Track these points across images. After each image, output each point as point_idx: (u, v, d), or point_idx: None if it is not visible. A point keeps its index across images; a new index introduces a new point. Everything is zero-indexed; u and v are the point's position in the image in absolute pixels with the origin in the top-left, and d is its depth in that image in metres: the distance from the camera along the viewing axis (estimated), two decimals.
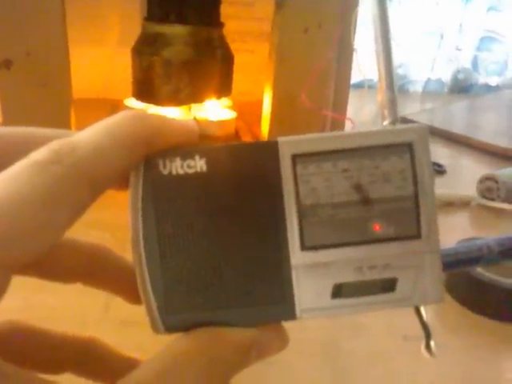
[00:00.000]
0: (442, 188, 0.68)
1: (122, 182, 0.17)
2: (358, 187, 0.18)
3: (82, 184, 0.15)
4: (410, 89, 1.28)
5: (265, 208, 0.18)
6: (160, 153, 0.17)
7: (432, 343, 0.20)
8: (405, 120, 0.98)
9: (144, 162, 0.17)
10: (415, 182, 0.18)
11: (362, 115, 0.91)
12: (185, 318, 0.18)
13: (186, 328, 0.17)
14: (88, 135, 0.16)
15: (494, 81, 1.33)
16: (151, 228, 0.17)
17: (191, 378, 0.16)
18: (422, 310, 0.20)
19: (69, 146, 0.15)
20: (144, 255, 0.17)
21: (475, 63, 1.31)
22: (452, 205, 0.67)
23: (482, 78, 1.32)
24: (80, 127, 0.16)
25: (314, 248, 0.18)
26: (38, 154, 0.15)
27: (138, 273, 0.17)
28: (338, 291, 0.18)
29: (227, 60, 0.73)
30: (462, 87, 1.31)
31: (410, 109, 1.07)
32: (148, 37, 0.70)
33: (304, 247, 0.18)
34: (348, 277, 0.18)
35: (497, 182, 0.67)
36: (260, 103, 0.75)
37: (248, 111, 0.80)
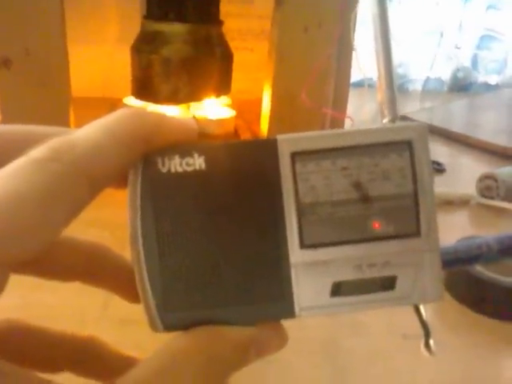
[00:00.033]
0: (442, 186, 0.68)
1: (120, 180, 0.17)
2: (357, 185, 0.18)
3: (81, 182, 0.15)
4: (409, 88, 1.28)
5: (264, 206, 0.18)
6: (159, 151, 0.17)
7: (431, 342, 0.20)
8: (404, 119, 0.98)
9: (143, 160, 0.17)
10: (415, 180, 0.18)
11: (362, 114, 0.91)
12: (183, 317, 0.17)
13: (184, 326, 0.17)
14: (87, 133, 0.16)
15: (493, 79, 1.33)
16: (150, 226, 0.17)
17: (190, 376, 0.16)
18: (422, 308, 0.20)
19: (67, 143, 0.15)
20: (142, 253, 0.17)
21: (475, 62, 1.31)
22: (451, 203, 0.67)
23: (481, 77, 1.32)
24: (79, 126, 0.16)
25: (314, 246, 0.18)
26: (37, 152, 0.15)
27: (136, 271, 0.17)
28: (338, 289, 0.18)
29: (226, 58, 0.73)
30: (461, 86, 1.31)
31: (409, 107, 1.07)
32: (147, 35, 0.70)
33: (303, 245, 0.18)
34: (347, 275, 0.18)
35: (496, 180, 0.67)
36: (259, 102, 0.75)
37: (247, 110, 0.80)
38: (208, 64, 0.70)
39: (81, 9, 0.87)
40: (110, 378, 0.15)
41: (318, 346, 0.40)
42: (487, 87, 1.32)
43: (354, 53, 0.73)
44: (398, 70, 1.26)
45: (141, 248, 0.17)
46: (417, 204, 0.18)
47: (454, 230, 0.58)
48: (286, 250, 0.18)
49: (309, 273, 0.18)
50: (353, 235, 0.18)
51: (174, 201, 0.17)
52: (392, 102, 0.21)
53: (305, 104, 0.67)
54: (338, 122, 0.74)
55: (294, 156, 0.18)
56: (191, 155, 0.17)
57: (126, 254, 0.19)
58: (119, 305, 0.21)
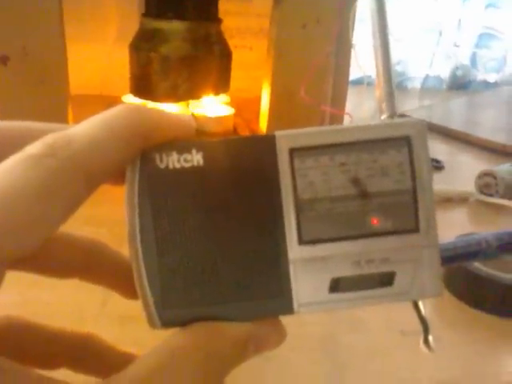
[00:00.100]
0: (441, 184, 0.68)
1: (117, 177, 0.17)
2: (355, 181, 0.18)
3: (78, 177, 0.15)
4: (408, 85, 1.28)
5: (262, 202, 0.17)
6: (156, 147, 0.17)
7: (430, 338, 0.20)
8: (403, 117, 0.98)
9: (140, 157, 0.17)
10: (413, 176, 0.18)
11: (361, 112, 0.91)
12: (181, 313, 0.17)
13: (182, 323, 0.17)
14: (84, 128, 0.16)
15: (492, 77, 1.33)
16: (148, 223, 0.17)
17: (188, 372, 0.16)
18: (420, 304, 0.20)
19: (64, 139, 0.15)
20: (141, 250, 0.17)
21: (474, 60, 1.31)
22: (450, 201, 0.67)
23: (480, 75, 1.32)
24: (77, 124, 0.16)
25: (312, 242, 0.18)
26: (33, 148, 0.15)
27: (134, 268, 0.17)
28: (336, 285, 0.18)
29: (225, 56, 0.73)
30: (460, 84, 1.31)
31: (408, 105, 1.07)
32: (146, 33, 0.70)
33: (302, 241, 0.18)
34: (346, 271, 0.18)
35: (495, 177, 0.67)
36: (258, 100, 0.75)
37: (246, 108, 0.80)
38: (207, 62, 0.70)
39: (80, 7, 0.86)
40: (109, 374, 0.15)
41: (317, 342, 0.40)
42: (486, 85, 1.32)
43: (352, 50, 0.73)
44: (397, 68, 1.26)
45: (139, 245, 0.17)
46: (415, 200, 0.18)
47: (453, 227, 0.58)
48: (285, 246, 0.18)
49: (307, 269, 0.18)
50: (351, 231, 0.18)
51: (172, 197, 0.17)
52: (390, 98, 0.21)
53: (304, 101, 0.67)
54: (336, 119, 0.74)
55: (293, 152, 0.18)
56: (189, 151, 0.17)
57: (124, 250, 0.19)
58: (118, 302, 0.21)
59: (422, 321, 0.20)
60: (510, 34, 1.29)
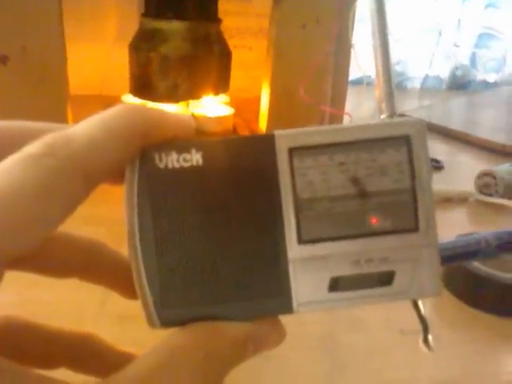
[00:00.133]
0: (440, 184, 0.68)
1: (116, 176, 0.17)
2: (354, 180, 0.18)
3: (77, 177, 0.15)
4: (408, 85, 1.28)
5: (261, 202, 0.17)
6: (156, 146, 0.17)
7: (430, 337, 0.20)
8: (403, 116, 0.98)
9: (140, 156, 0.17)
10: (413, 175, 0.18)
11: (361, 111, 0.91)
12: (181, 313, 0.17)
13: (182, 322, 0.17)
14: (83, 128, 0.16)
15: (492, 77, 1.33)
16: (147, 223, 0.17)
17: (187, 372, 0.16)
18: (420, 303, 0.20)
19: (63, 138, 0.15)
20: (140, 250, 0.17)
21: (473, 60, 1.31)
22: (450, 200, 0.67)
23: (480, 75, 1.32)
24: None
25: (311, 241, 0.18)
26: (32, 147, 0.15)
27: (133, 267, 0.17)
28: (335, 284, 0.18)
29: (225, 56, 0.73)
30: (460, 84, 1.31)
31: (408, 105, 1.07)
32: (145, 33, 0.70)
33: (301, 241, 0.18)
34: (345, 270, 0.18)
35: (495, 177, 0.67)
36: (258, 100, 0.75)
37: (246, 108, 0.80)
38: (206, 62, 0.70)
39: (79, 7, 0.86)
40: (108, 374, 0.15)
41: (316, 341, 0.40)
42: (486, 85, 1.32)
43: (352, 50, 0.73)
44: (397, 68, 1.26)
45: (138, 245, 0.17)
46: (415, 199, 0.18)
47: (452, 227, 0.58)
48: (284, 245, 0.18)
49: (307, 268, 0.18)
50: (351, 230, 0.18)
51: (171, 197, 0.17)
52: (390, 98, 0.21)
53: (303, 101, 0.67)
54: (336, 119, 0.74)
55: (292, 151, 0.18)
56: (188, 151, 0.17)
57: (123, 250, 0.19)
58: (117, 301, 0.21)
59: (422, 320, 0.20)
60: (509, 34, 1.29)
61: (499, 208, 0.66)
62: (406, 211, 0.18)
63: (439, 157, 0.81)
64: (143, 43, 0.69)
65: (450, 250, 0.31)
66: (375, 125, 0.18)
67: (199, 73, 0.70)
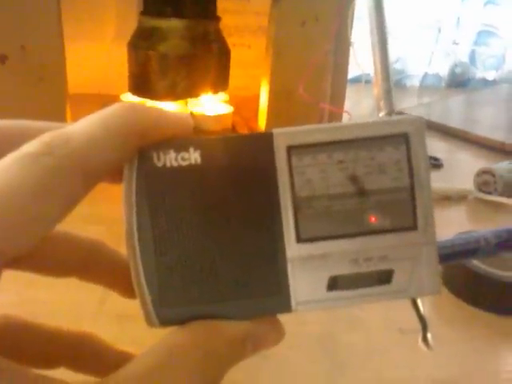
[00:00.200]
0: (439, 182, 0.68)
1: (115, 175, 0.17)
2: (353, 178, 0.18)
3: (75, 175, 0.15)
4: (407, 83, 1.28)
5: (260, 200, 0.17)
6: (154, 145, 0.17)
7: (429, 336, 0.20)
8: (401, 114, 0.98)
9: (138, 155, 0.17)
10: (411, 173, 0.18)
11: (360, 110, 0.91)
12: (179, 312, 0.17)
13: (180, 321, 0.17)
14: (81, 126, 0.16)
15: (491, 75, 1.33)
16: (145, 222, 0.17)
17: (186, 371, 0.16)
18: (419, 302, 0.20)
19: (61, 137, 0.15)
20: (138, 249, 0.17)
21: (473, 57, 1.31)
22: (449, 199, 0.67)
23: (479, 73, 1.32)
24: None
25: (310, 240, 0.18)
26: (30, 146, 0.15)
27: (132, 266, 0.17)
28: (334, 283, 0.18)
29: (224, 54, 0.73)
30: (459, 81, 1.31)
31: (407, 103, 1.07)
32: (144, 31, 0.70)
33: (300, 239, 0.18)
34: (344, 269, 0.18)
35: (494, 175, 0.67)
36: (257, 98, 0.75)
37: (245, 106, 0.80)
38: (205, 60, 0.70)
39: (78, 6, 0.86)
40: (107, 373, 0.15)
41: (315, 340, 0.40)
42: (485, 83, 1.32)
43: (351, 48, 0.73)
44: (396, 66, 1.26)
45: (136, 243, 0.17)
46: (413, 197, 0.18)
47: (451, 225, 0.58)
48: (283, 244, 0.18)
49: (305, 267, 0.18)
50: (349, 229, 0.18)
51: (170, 196, 0.17)
52: (388, 95, 0.21)
53: (302, 99, 0.67)
54: (335, 117, 0.74)
55: (290, 150, 0.17)
56: (187, 149, 0.17)
57: (123, 249, 0.19)
58: (116, 301, 0.21)
59: (421, 319, 0.20)
60: (508, 32, 1.29)
61: (498, 206, 0.66)
62: (404, 209, 0.18)
63: (438, 155, 0.81)
64: (142, 42, 0.69)
65: (448, 248, 0.31)
66: (374, 123, 0.18)
67: (198, 71, 0.70)
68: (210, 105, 0.76)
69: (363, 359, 0.39)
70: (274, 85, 0.70)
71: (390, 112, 0.21)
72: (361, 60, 0.74)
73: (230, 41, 0.75)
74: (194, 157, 0.17)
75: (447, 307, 0.46)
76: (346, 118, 0.76)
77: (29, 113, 0.61)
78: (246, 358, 0.17)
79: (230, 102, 0.79)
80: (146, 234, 0.17)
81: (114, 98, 0.76)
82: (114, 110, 0.16)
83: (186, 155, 0.17)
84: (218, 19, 0.72)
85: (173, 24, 0.68)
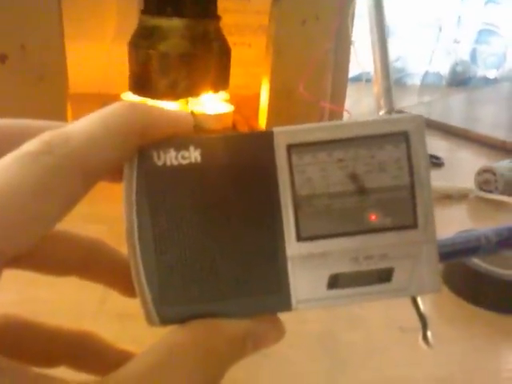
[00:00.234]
0: (440, 180, 0.68)
1: (115, 174, 0.17)
2: (353, 177, 0.18)
3: (75, 174, 0.15)
4: (407, 82, 1.28)
5: (260, 199, 0.17)
6: (154, 144, 0.17)
7: (429, 334, 0.20)
8: (401, 113, 0.97)
9: (138, 154, 0.17)
10: (411, 172, 0.18)
11: (360, 108, 0.91)
12: (180, 310, 0.17)
13: (181, 320, 0.17)
14: (81, 125, 0.16)
15: (492, 73, 1.33)
16: (145, 220, 0.17)
17: (186, 369, 0.16)
18: (419, 300, 0.20)
19: (61, 136, 0.15)
20: (138, 248, 0.17)
21: (473, 56, 1.31)
22: (450, 197, 0.67)
23: (480, 71, 1.32)
24: None
25: (310, 238, 0.18)
26: (30, 145, 0.15)
27: (132, 265, 0.17)
28: (334, 282, 0.18)
29: (224, 53, 0.73)
30: (460, 80, 1.31)
31: (407, 102, 1.07)
32: (144, 30, 0.70)
33: (300, 238, 0.18)
34: (344, 267, 0.18)
35: (495, 174, 0.67)
36: (258, 97, 0.75)
37: (245, 105, 0.80)
38: (206, 59, 0.70)
39: (78, 5, 0.86)
40: (108, 372, 0.15)
41: (315, 339, 0.40)
42: (486, 81, 1.32)
43: (352, 47, 0.73)
44: (397, 65, 1.25)
45: (137, 242, 0.17)
46: (413, 196, 0.18)
47: (452, 223, 0.58)
48: (283, 242, 0.18)
49: (305, 265, 0.18)
50: (349, 227, 0.18)
51: (170, 194, 0.17)
52: (388, 94, 0.21)
53: (303, 98, 0.67)
54: (336, 116, 0.74)
55: (290, 148, 0.17)
56: (187, 148, 0.17)
57: (123, 248, 0.19)
58: (117, 299, 0.21)
59: (421, 317, 0.20)
60: (509, 30, 1.29)
61: (499, 204, 0.66)
62: (404, 208, 0.18)
63: (439, 153, 0.80)
64: (142, 41, 0.69)
65: (449, 247, 0.31)
66: (374, 121, 0.18)
67: (198, 70, 0.70)
68: (211, 104, 0.76)
69: (363, 358, 0.39)
70: (275, 83, 0.70)
71: (390, 110, 0.21)
72: (361, 59, 0.74)
73: (231, 40, 0.75)
74: (194, 155, 0.17)
75: (448, 306, 0.46)
76: (346, 117, 0.76)
77: (29, 112, 0.61)
78: (247, 357, 0.17)
79: (231, 100, 0.79)
80: (146, 233, 0.17)
81: (115, 98, 0.76)
82: (114, 109, 0.16)
83: (186, 154, 0.17)
84: (218, 18, 0.72)
85: (173, 23, 0.68)
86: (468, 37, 1.29)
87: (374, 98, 0.22)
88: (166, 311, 0.17)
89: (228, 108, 0.77)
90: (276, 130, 0.18)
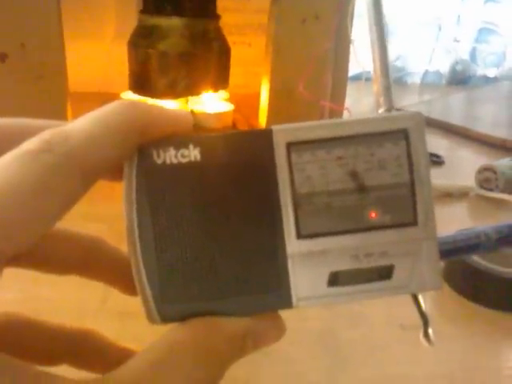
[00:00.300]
0: (441, 179, 0.68)
1: (115, 173, 0.17)
2: (353, 175, 0.18)
3: (75, 173, 0.15)
4: (408, 81, 1.28)
5: (260, 197, 0.17)
6: (153, 143, 0.17)
7: (430, 331, 0.20)
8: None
9: (138, 152, 0.17)
10: (411, 169, 0.18)
11: (360, 107, 0.91)
12: (181, 308, 0.17)
13: (181, 318, 0.17)
14: (81, 124, 0.16)
15: (492, 72, 1.33)
16: (146, 219, 0.17)
17: (187, 368, 0.16)
18: (420, 298, 0.20)
19: (61, 134, 0.15)
20: (139, 246, 0.17)
21: (473, 55, 1.31)
22: (450, 195, 0.67)
23: (480, 70, 1.32)
24: None
25: (310, 236, 0.18)
26: (29, 144, 0.15)
27: (133, 263, 0.17)
28: (335, 279, 0.18)
29: (224, 52, 0.73)
30: (460, 79, 1.31)
31: (408, 101, 1.07)
32: (144, 29, 0.70)
33: (300, 235, 0.18)
34: (344, 265, 0.18)
35: (495, 172, 0.67)
36: (258, 96, 0.75)
37: (245, 104, 0.80)
38: (205, 58, 0.70)
39: (78, 5, 0.86)
40: (109, 370, 0.15)
41: (316, 337, 0.40)
42: (486, 80, 1.32)
43: (351, 46, 0.73)
44: (397, 63, 1.25)
45: (137, 241, 0.17)
46: (413, 193, 0.18)
47: (453, 222, 0.58)
48: (283, 240, 0.18)
49: (306, 263, 0.18)
50: (349, 225, 0.18)
51: (170, 193, 0.17)
52: (387, 92, 0.21)
53: (303, 97, 0.67)
54: (336, 115, 0.74)
55: (290, 146, 0.18)
56: (186, 147, 0.17)
57: (124, 247, 0.19)
58: (118, 298, 0.21)
59: (422, 314, 0.20)
60: (509, 29, 1.29)
61: (500, 203, 0.66)
62: (404, 205, 0.18)
63: (439, 152, 0.80)
64: (142, 40, 0.69)
65: (449, 244, 0.31)
66: (373, 119, 0.18)
67: (198, 69, 0.70)
68: (211, 103, 0.76)
69: (364, 355, 0.39)
70: (275, 83, 0.70)
71: (390, 108, 0.21)
72: (361, 58, 0.74)
73: (231, 39, 0.75)
74: (193, 154, 0.17)
75: (449, 304, 0.46)
76: (346, 116, 0.76)
77: (29, 111, 0.61)
78: (247, 355, 0.17)
79: (231, 99, 0.79)
80: (146, 231, 0.17)
81: (115, 97, 0.76)
82: (114, 108, 0.16)
83: (185, 152, 0.17)
84: (218, 17, 0.72)
85: (173, 22, 0.68)
86: (468, 36, 1.29)
87: (374, 97, 0.22)
88: (167, 309, 0.17)
89: (228, 107, 0.77)
90: (275, 128, 0.18)
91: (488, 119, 1.00)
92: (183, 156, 0.17)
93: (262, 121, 0.74)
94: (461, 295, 0.46)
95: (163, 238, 0.17)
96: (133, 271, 0.17)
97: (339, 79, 0.74)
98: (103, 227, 0.39)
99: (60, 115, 0.63)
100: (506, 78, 1.31)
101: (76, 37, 0.80)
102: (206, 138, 0.17)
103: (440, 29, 1.26)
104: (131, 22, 0.72)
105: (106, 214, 0.47)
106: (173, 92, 0.70)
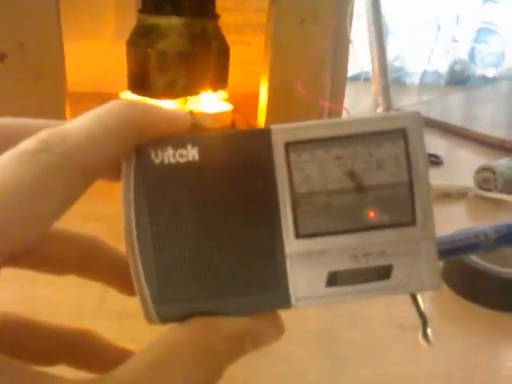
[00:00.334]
0: (439, 179, 0.68)
1: (113, 172, 0.17)
2: (351, 174, 0.18)
3: (73, 172, 0.15)
4: (406, 81, 1.28)
5: (258, 196, 0.17)
6: (152, 142, 0.17)
7: (429, 331, 0.20)
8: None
9: (136, 152, 0.17)
10: (409, 169, 0.18)
11: (359, 107, 0.91)
12: (179, 308, 0.17)
13: (180, 318, 0.17)
14: (79, 123, 0.16)
15: (491, 72, 1.33)
16: (144, 219, 0.17)
17: (185, 368, 0.16)
18: (419, 297, 0.20)
19: (59, 134, 0.15)
20: (137, 246, 0.17)
21: (472, 55, 1.31)
22: (449, 196, 0.67)
23: (479, 70, 1.32)
24: None
25: (309, 236, 0.18)
26: (27, 144, 0.15)
27: (131, 263, 0.17)
28: (333, 279, 0.18)
29: (223, 52, 0.73)
30: (458, 79, 1.31)
31: (406, 101, 1.07)
32: (143, 29, 0.70)
33: (298, 235, 0.18)
34: (343, 264, 0.18)
35: (494, 172, 0.67)
36: (256, 96, 0.75)
37: (244, 103, 0.80)
38: (204, 58, 0.70)
39: (77, 4, 0.86)
40: (107, 370, 0.15)
41: (315, 337, 0.40)
42: (485, 80, 1.32)
43: (350, 46, 0.73)
44: (395, 64, 1.25)
45: (135, 240, 0.17)
46: (412, 193, 0.18)
47: (451, 222, 0.58)
48: (281, 240, 0.18)
49: (304, 263, 0.18)
50: (348, 225, 0.18)
51: (168, 192, 0.17)
52: (386, 92, 0.21)
53: (301, 96, 0.67)
54: (335, 115, 0.74)
55: (288, 146, 0.18)
56: (184, 146, 0.17)
57: (122, 247, 0.19)
58: (116, 298, 0.21)
59: (421, 315, 0.20)
60: (508, 29, 1.29)
61: (498, 203, 0.66)
62: (403, 205, 0.18)
63: (438, 152, 0.80)
64: (141, 39, 0.69)
65: (448, 244, 0.31)
66: (372, 118, 0.18)
67: (197, 69, 0.70)
68: (210, 103, 0.76)
69: (363, 355, 0.39)
70: (273, 82, 0.70)
71: (388, 108, 0.21)
72: (360, 58, 0.74)
73: (229, 38, 0.74)
74: (191, 153, 0.17)
75: (448, 304, 0.46)
76: (345, 116, 0.76)
77: (28, 111, 0.61)
78: (246, 355, 0.17)
79: (230, 99, 0.79)
80: (144, 231, 0.17)
81: (114, 96, 0.76)
82: (112, 107, 0.16)
83: (183, 152, 0.17)
84: (217, 17, 0.72)
85: (172, 22, 0.68)
86: (466, 36, 1.29)
87: (373, 97, 0.22)
88: (165, 309, 0.17)
89: (227, 107, 0.77)
90: (274, 127, 0.18)
91: (487, 119, 1.00)
92: (181, 156, 0.17)
93: (261, 120, 0.74)
94: (459, 295, 0.46)
95: (161, 237, 0.17)
96: (131, 271, 0.17)
97: (338, 79, 0.74)
98: (102, 227, 0.39)
99: (59, 115, 0.63)
100: (504, 78, 1.31)
101: (75, 37, 0.80)
102: (205, 138, 0.17)
103: (439, 29, 1.26)
104: (130, 21, 0.72)
105: (104, 214, 0.47)
106: (172, 92, 0.70)
